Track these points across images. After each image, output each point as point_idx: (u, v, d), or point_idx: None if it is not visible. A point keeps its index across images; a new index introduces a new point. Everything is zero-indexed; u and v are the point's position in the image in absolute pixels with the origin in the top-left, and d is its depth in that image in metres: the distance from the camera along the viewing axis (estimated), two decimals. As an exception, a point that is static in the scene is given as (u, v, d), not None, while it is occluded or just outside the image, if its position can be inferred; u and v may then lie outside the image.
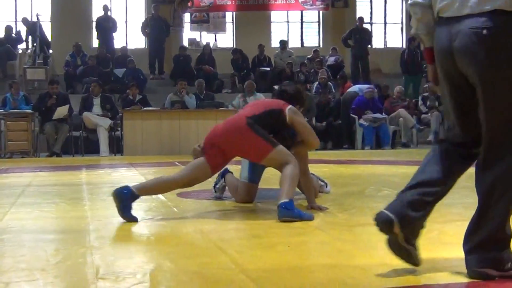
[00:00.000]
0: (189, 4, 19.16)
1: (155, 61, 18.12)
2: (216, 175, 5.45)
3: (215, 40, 20.09)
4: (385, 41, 20.96)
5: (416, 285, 2.72)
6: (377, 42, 19.94)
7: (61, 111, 13.16)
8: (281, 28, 20.66)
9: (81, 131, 13.47)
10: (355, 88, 15.14)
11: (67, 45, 17.51)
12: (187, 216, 4.81)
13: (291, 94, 5.10)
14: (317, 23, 20.77)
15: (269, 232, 4.17)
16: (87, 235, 4.07)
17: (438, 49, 2.83)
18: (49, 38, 18.01)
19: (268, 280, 2.85)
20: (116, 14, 18.66)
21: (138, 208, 5.12)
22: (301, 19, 20.79)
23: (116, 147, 13.49)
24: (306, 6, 20.04)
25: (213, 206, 5.38)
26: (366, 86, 15.07)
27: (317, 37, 20.76)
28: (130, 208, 4.55)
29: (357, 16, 19.18)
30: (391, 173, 8.42)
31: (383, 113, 14.59)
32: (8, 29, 17.84)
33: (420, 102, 15.62)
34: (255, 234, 4.06)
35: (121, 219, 4.57)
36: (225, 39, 20.26)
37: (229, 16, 20.12)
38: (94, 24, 18.32)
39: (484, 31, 2.64)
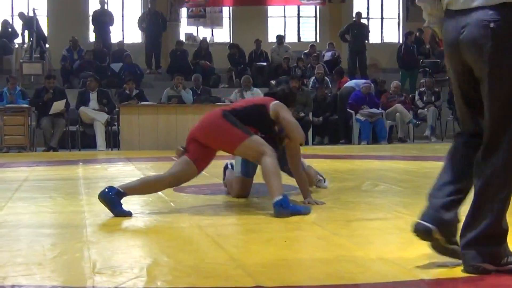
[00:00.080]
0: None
1: (151, 56, 18.09)
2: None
3: (212, 35, 20.05)
4: (381, 36, 20.95)
5: (413, 279, 2.73)
6: (373, 37, 19.92)
7: (57, 106, 13.14)
8: (278, 23, 20.64)
9: (77, 126, 13.45)
10: (351, 83, 15.13)
11: (64, 39, 17.46)
12: (184, 210, 4.81)
13: (280, 95, 5.04)
14: (314, 18, 20.75)
15: (266, 226, 4.17)
16: (84, 230, 4.07)
17: (447, 42, 2.85)
18: (46, 33, 17.96)
19: (265, 275, 2.85)
20: (113, 9, 18.62)
21: (135, 202, 5.13)
22: (298, 14, 20.76)
23: (113, 141, 13.47)
24: (303, 1, 20.01)
25: (210, 201, 5.39)
26: (362, 81, 15.07)
27: (314, 32, 20.74)
28: (119, 205, 4.55)
29: (354, 11, 19.15)
30: (387, 168, 8.43)
31: (380, 108, 14.59)
32: (5, 23, 17.79)
33: (416, 97, 15.62)
34: (252, 229, 4.07)
35: (118, 214, 4.59)
36: (222, 34, 20.23)
37: (226, 11, 20.09)
38: (90, 18, 18.26)
39: (492, 24, 2.65)
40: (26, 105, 13.19)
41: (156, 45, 18.01)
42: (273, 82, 16.07)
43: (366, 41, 18.23)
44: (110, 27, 17.96)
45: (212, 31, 20.11)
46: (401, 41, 19.54)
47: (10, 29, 17.90)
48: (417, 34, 18.71)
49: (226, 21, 20.12)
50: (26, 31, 17.26)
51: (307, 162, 5.92)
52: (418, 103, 15.48)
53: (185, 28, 19.89)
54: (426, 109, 15.19)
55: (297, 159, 5.08)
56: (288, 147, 5.02)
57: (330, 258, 3.19)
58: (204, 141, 4.75)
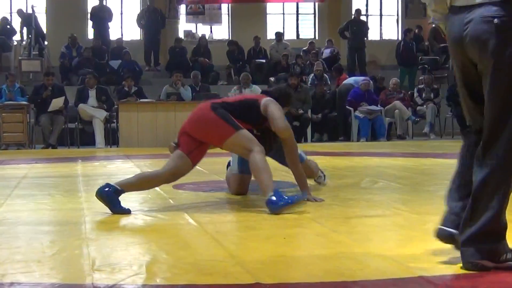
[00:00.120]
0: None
1: (150, 53, 18.07)
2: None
3: (211, 32, 20.04)
4: (380, 33, 20.94)
5: (411, 276, 2.73)
6: (372, 34, 19.91)
7: (56, 103, 13.13)
8: (276, 20, 20.62)
9: (76, 123, 13.45)
10: (350, 80, 15.13)
11: (63, 36, 17.45)
12: (183, 208, 4.81)
13: (275, 94, 5.02)
14: (313, 15, 20.73)
15: (265, 224, 4.17)
16: (82, 227, 4.07)
17: (451, 38, 2.86)
18: (45, 30, 17.94)
19: (264, 272, 2.86)
20: (112, 6, 18.58)
21: (134, 199, 5.13)
22: (297, 11, 20.74)
23: (112, 138, 13.47)
24: (301, -2, 20.02)
25: (209, 198, 5.39)
26: (361, 78, 15.06)
27: (313, 29, 20.73)
28: (118, 202, 4.55)
29: (353, 8, 19.13)
30: (386, 165, 8.43)
31: (379, 105, 14.59)
32: (3, 20, 17.77)
33: (415, 94, 15.61)
34: (251, 226, 4.07)
35: (116, 211, 4.60)
36: (221, 31, 20.22)
37: (224, 8, 20.06)
38: (89, 15, 18.23)
39: (495, 20, 2.66)
40: (25, 102, 13.18)
41: (155, 42, 17.99)
42: (272, 79, 16.09)
43: (365, 38, 18.22)
44: (109, 23, 17.92)
45: (211, 28, 20.09)
46: (400, 38, 19.53)
47: (8, 26, 17.88)
48: (416, 31, 18.71)
49: (225, 18, 20.10)
50: (25, 28, 17.24)
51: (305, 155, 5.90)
52: (417, 100, 15.48)
53: (183, 25, 19.86)
54: (425, 106, 15.19)
55: (294, 156, 5.08)
56: (284, 144, 5.02)
57: (329, 255, 3.19)
58: (194, 134, 4.74)
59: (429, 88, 15.52)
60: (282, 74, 16.28)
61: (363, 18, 19.03)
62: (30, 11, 16.97)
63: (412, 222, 4.11)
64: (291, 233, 3.83)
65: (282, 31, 19.56)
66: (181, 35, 19.27)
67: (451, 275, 2.73)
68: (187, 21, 19.79)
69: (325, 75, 16.06)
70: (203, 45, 17.98)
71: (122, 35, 19.04)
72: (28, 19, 16.84)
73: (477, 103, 2.89)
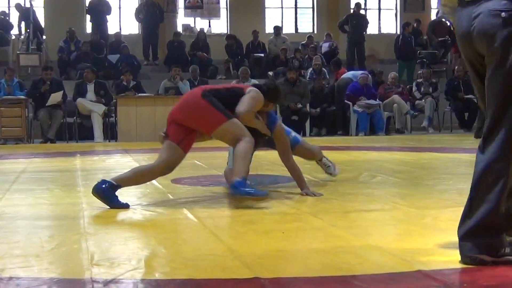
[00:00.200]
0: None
1: (149, 47, 18.06)
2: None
3: (209, 26, 20.02)
4: (379, 27, 20.92)
5: (410, 270, 2.73)
6: (371, 28, 19.90)
7: (55, 97, 13.12)
8: (275, 14, 20.60)
9: (75, 117, 13.45)
10: (349, 74, 15.12)
11: (61, 31, 17.42)
12: (182, 202, 4.81)
13: (263, 89, 4.97)
14: (311, 9, 20.72)
15: (263, 218, 4.18)
16: (81, 221, 4.07)
17: (459, 33, 2.87)
18: (43, 24, 17.92)
19: (262, 266, 2.86)
20: (110, 0, 18.53)
21: (132, 194, 5.13)
22: (295, 4, 20.72)
23: (110, 133, 13.48)
24: (300, -8, 20.00)
25: (208, 192, 5.39)
26: (360, 72, 15.06)
27: (311, 23, 20.71)
28: (115, 197, 4.55)
29: (351, 1, 19.13)
30: (385, 159, 8.44)
31: (377, 99, 14.59)
32: (1, 14, 17.74)
33: (414, 88, 15.61)
34: (249, 221, 4.07)
35: (115, 206, 4.61)
36: (219, 25, 20.20)
37: (223, 1, 20.03)
38: (87, 8, 18.18)
39: (503, 14, 2.68)
40: (23, 97, 13.17)
41: (153, 36, 17.98)
42: (270, 73, 16.08)
43: (364, 32, 18.21)
44: (107, 17, 17.89)
45: (209, 22, 20.07)
46: (398, 32, 19.52)
47: (7, 18, 17.85)
48: (415, 25, 18.69)
49: (223, 12, 20.08)
50: (23, 22, 17.21)
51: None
52: (415, 94, 15.48)
53: (182, 19, 19.84)
54: (423, 100, 15.19)
55: (287, 153, 5.10)
56: (277, 142, 5.06)
57: (328, 249, 3.19)
58: (183, 121, 4.71)
59: (428, 82, 15.52)
60: (281, 68, 16.27)
61: (361, 12, 19.00)
62: (28, 5, 16.93)
63: (410, 216, 4.11)
64: (290, 227, 3.83)
65: (280, 25, 19.55)
66: (179, 29, 19.25)
67: (449, 270, 2.73)
68: (186, 15, 19.76)
69: (323, 69, 16.07)
70: (201, 39, 17.97)
71: (120, 29, 19.02)
72: (26, 13, 16.82)
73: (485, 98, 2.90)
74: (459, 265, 2.77)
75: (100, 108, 13.30)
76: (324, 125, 14.79)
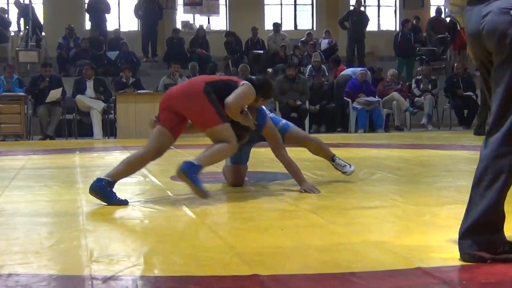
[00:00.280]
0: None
1: (148, 44, 18.04)
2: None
3: (208, 22, 20.01)
4: (378, 24, 20.92)
5: (409, 268, 2.73)
6: (370, 25, 19.88)
7: (54, 94, 13.12)
8: (274, 10, 20.59)
9: (74, 114, 13.44)
10: (348, 71, 15.11)
11: (60, 27, 17.40)
12: (181, 199, 4.81)
13: (255, 84, 4.96)
14: (311, 6, 20.71)
15: (262, 215, 4.18)
16: (80, 218, 4.07)
17: (469, 32, 2.88)
18: (42, 21, 17.90)
19: (261, 263, 2.86)
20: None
21: (131, 191, 5.13)
22: (295, 1, 20.71)
23: (110, 130, 13.48)
24: (299, -12, 19.99)
25: (207, 189, 5.38)
26: (359, 69, 15.05)
27: (311, 20, 20.71)
28: (113, 194, 4.55)
29: (351, -2, 19.14)
30: (384, 156, 8.44)
31: (377, 96, 14.58)
32: (1, 11, 17.72)
33: (413, 85, 15.60)
34: (249, 217, 4.07)
35: (114, 202, 4.61)
36: (218, 22, 20.18)
37: (222, -2, 20.06)
38: (86, 6, 18.18)
39: None
40: (22, 93, 13.17)
41: (152, 33, 17.96)
42: (270, 70, 16.06)
43: (365, 29, 18.18)
44: (106, 15, 17.88)
45: (208, 19, 20.05)
46: (398, 29, 19.51)
47: (6, 15, 17.83)
48: (414, 22, 18.68)
49: (222, 8, 20.06)
50: (22, 19, 17.19)
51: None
52: (415, 91, 15.47)
53: (181, 16, 19.83)
54: (423, 97, 15.18)
55: (279, 149, 5.10)
56: (268, 139, 5.07)
57: (327, 246, 3.20)
58: (178, 109, 4.71)
59: (427, 79, 15.52)
60: (280, 65, 16.26)
61: (361, 8, 18.98)
62: (27, 1, 16.92)
63: (409, 214, 4.12)
64: (289, 224, 3.83)
65: (280, 22, 19.53)
66: (178, 26, 19.24)
67: (448, 267, 2.73)
68: (185, 11, 19.75)
69: (323, 66, 16.05)
70: (201, 36, 17.95)
71: (119, 26, 19.01)
72: (25, 10, 16.80)
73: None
74: (458, 262, 2.77)
75: (99, 105, 13.30)
76: (324, 122, 14.79)
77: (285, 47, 17.37)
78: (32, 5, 16.95)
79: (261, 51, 17.85)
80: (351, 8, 18.64)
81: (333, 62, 16.20)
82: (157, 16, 17.87)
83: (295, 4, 20.72)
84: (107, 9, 17.75)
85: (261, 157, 7.16)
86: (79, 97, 13.35)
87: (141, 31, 18.38)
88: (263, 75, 5.42)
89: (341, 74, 15.10)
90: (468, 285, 2.53)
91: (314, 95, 14.47)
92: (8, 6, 18.47)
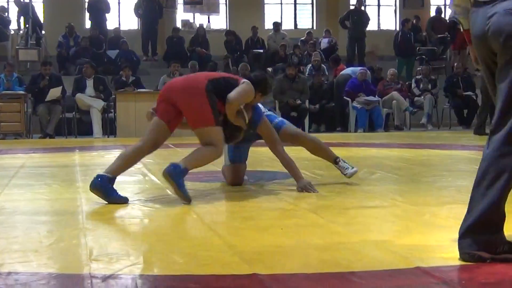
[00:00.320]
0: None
1: (148, 43, 18.04)
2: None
3: (208, 21, 20.00)
4: (378, 24, 20.91)
5: (408, 267, 2.73)
6: (370, 25, 19.88)
7: (54, 93, 13.12)
8: (274, 9, 20.59)
9: (74, 113, 13.44)
10: (348, 70, 15.11)
11: (60, 26, 17.40)
12: (181, 198, 4.80)
13: (253, 80, 4.97)
14: (311, 5, 20.70)
15: (262, 214, 4.18)
16: (80, 217, 4.07)
17: (474, 33, 2.89)
18: (42, 19, 17.89)
19: (261, 262, 2.86)
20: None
21: (131, 190, 5.13)
22: (295, 0, 20.70)
23: (109, 128, 13.48)
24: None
25: (206, 188, 5.39)
26: (359, 68, 15.05)
27: (311, 19, 20.70)
28: (113, 191, 4.55)
29: (351, -3, 19.13)
30: (384, 155, 8.44)
31: (376, 96, 14.58)
32: (1, 9, 17.71)
33: (413, 85, 15.61)
34: (248, 216, 4.07)
35: (114, 201, 4.62)
36: (218, 21, 20.18)
37: (222, -3, 20.05)
38: (86, 5, 18.18)
39: None
40: (22, 92, 13.16)
41: (152, 32, 17.96)
42: (269, 69, 16.06)
43: (365, 29, 18.16)
44: (106, 14, 17.88)
45: (208, 18, 20.05)
46: (398, 29, 19.51)
47: (6, 13, 17.82)
48: (414, 21, 18.68)
49: (222, 7, 20.06)
50: (22, 18, 17.18)
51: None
52: (414, 90, 15.48)
53: (181, 15, 19.83)
54: (422, 97, 15.18)
55: (276, 145, 5.08)
56: (264, 137, 5.07)
57: (327, 245, 3.20)
58: (177, 103, 4.69)
59: (427, 79, 15.52)
60: (280, 65, 16.26)
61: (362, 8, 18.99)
62: (27, 0, 16.91)
63: (409, 213, 4.11)
64: (289, 223, 3.84)
65: (280, 21, 19.53)
66: (178, 24, 19.23)
67: (448, 266, 2.73)
68: (185, 10, 19.74)
69: (322, 65, 16.05)
70: (201, 35, 17.94)
71: (119, 24, 19.01)
72: (25, 8, 16.78)
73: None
74: (458, 262, 2.77)
75: (99, 104, 13.30)
76: (323, 121, 14.79)
77: (285, 46, 17.37)
78: (32, 3, 16.94)
79: (261, 50, 17.85)
80: (351, 7, 18.63)
81: (333, 62, 16.20)
82: (157, 15, 17.86)
83: (295, 3, 20.72)
84: (107, 8, 17.75)
85: (261, 156, 7.15)
86: (79, 95, 13.35)
87: (141, 30, 18.38)
88: (261, 72, 5.40)
89: (341, 73, 15.10)
90: (468, 284, 2.53)
91: (314, 94, 14.47)
92: (8, 4, 18.47)
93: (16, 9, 17.43)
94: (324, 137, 12.17)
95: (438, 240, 3.23)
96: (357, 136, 13.11)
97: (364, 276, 2.64)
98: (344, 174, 5.57)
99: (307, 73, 15.65)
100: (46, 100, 13.06)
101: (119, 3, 19.41)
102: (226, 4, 20.10)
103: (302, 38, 18.18)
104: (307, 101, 14.14)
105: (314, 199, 4.70)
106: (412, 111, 15.04)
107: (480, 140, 10.79)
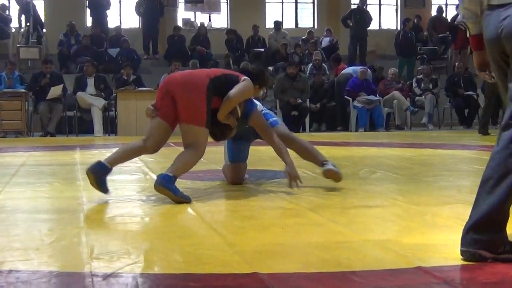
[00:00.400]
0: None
1: (149, 41, 18.05)
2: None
3: (209, 20, 20.00)
4: (379, 23, 20.91)
5: (409, 267, 2.73)
6: (372, 24, 19.89)
7: (55, 91, 13.12)
8: (275, 8, 20.58)
9: (75, 111, 13.45)
10: (349, 69, 15.12)
11: (61, 24, 17.41)
12: (181, 196, 4.80)
13: (251, 72, 5.01)
14: (312, 4, 20.70)
15: (262, 213, 4.18)
16: (81, 215, 4.07)
17: (487, 36, 2.90)
18: (43, 17, 17.90)
19: (262, 261, 2.86)
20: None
21: (131, 188, 5.13)
22: (296, -1, 20.73)
23: (110, 127, 13.49)
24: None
25: (207, 187, 5.39)
26: (359, 67, 15.06)
27: (312, 18, 20.70)
28: (105, 182, 4.66)
29: (352, -4, 19.13)
30: (384, 155, 8.43)
31: (377, 95, 14.59)
32: (1, 7, 17.71)
33: (414, 84, 15.62)
34: (249, 216, 4.07)
35: (115, 199, 4.63)
36: (219, 20, 20.18)
37: (223, -4, 20.05)
38: (87, 2, 18.17)
39: None
40: (23, 90, 13.17)
41: (153, 30, 17.96)
42: (270, 68, 16.07)
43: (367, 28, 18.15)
44: (107, 11, 17.87)
45: (209, 16, 20.05)
46: (399, 28, 19.50)
47: (7, 11, 17.82)
48: (415, 20, 18.67)
49: (223, 6, 20.06)
50: (23, 16, 17.19)
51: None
52: (415, 90, 15.48)
53: (182, 14, 19.82)
54: (423, 96, 15.19)
55: (267, 132, 5.02)
56: (256, 127, 5.05)
57: (327, 245, 3.19)
58: (175, 97, 4.68)
59: (428, 79, 15.52)
60: (281, 63, 16.27)
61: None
62: (28, -2, 16.92)
63: (410, 213, 4.11)
64: (289, 223, 3.83)
65: (281, 20, 19.54)
66: (179, 23, 19.23)
67: (449, 266, 2.73)
68: (186, 9, 19.74)
69: (323, 64, 16.06)
70: (202, 34, 17.95)
71: (120, 23, 19.01)
72: (26, 6, 16.79)
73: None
74: (459, 262, 2.77)
75: (100, 102, 13.31)
76: (324, 120, 14.80)
77: (286, 45, 17.37)
78: (33, 1, 16.94)
79: (262, 49, 17.86)
80: (353, 6, 18.62)
81: (334, 61, 16.20)
82: (158, 14, 17.87)
83: (296, 2, 20.71)
84: (108, 5, 17.75)
85: (262, 155, 7.15)
86: (79, 94, 13.36)
87: (142, 28, 18.38)
88: (257, 65, 5.40)
89: (341, 72, 15.10)
90: (469, 284, 2.53)
91: (314, 93, 14.47)
92: (9, 2, 18.46)
93: (17, 7, 17.43)
94: (324, 137, 12.19)
95: (439, 239, 3.22)
96: (358, 135, 13.11)
97: (364, 275, 2.64)
98: (322, 172, 5.30)
99: (308, 72, 15.65)
100: (47, 98, 13.08)
101: (120, 1, 19.41)
102: (227, 2, 20.09)
103: (303, 37, 18.19)
104: (308, 100, 14.14)
105: (315, 198, 4.70)
106: (413, 111, 15.04)
107: (482, 140, 10.79)
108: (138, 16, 18.59)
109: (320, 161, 5.33)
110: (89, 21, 18.41)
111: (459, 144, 10.03)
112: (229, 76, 4.89)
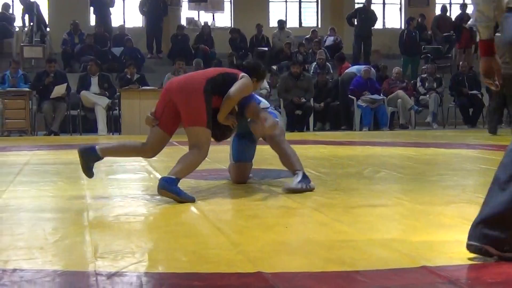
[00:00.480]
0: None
1: (152, 40, 18.06)
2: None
3: (213, 19, 20.00)
4: (383, 22, 20.88)
5: (414, 266, 2.73)
6: (376, 23, 19.87)
7: (58, 90, 13.14)
8: (279, 7, 20.58)
9: (79, 110, 13.46)
10: (353, 69, 15.10)
11: (64, 23, 17.42)
12: (185, 196, 4.80)
13: (246, 66, 5.03)
14: (316, 3, 20.69)
15: (267, 212, 4.17)
16: (85, 214, 4.07)
17: (505, 38, 2.88)
18: (46, 16, 17.91)
19: (265, 261, 2.85)
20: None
21: (135, 187, 5.13)
22: (300, -1, 20.72)
23: (114, 126, 13.49)
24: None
25: (211, 186, 5.38)
26: (363, 66, 15.04)
27: (315, 17, 20.69)
28: (92, 169, 4.76)
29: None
30: (388, 154, 8.42)
31: (381, 94, 14.57)
32: (4, 6, 17.74)
33: (418, 84, 15.60)
34: (253, 215, 4.06)
35: (119, 198, 4.64)
36: (223, 19, 20.18)
37: (227, -5, 20.05)
38: (90, 1, 18.18)
39: None
40: (27, 89, 13.18)
41: (157, 29, 17.97)
42: (274, 67, 16.06)
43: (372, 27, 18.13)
44: (111, 10, 17.87)
45: (213, 15, 20.05)
46: (403, 27, 19.48)
47: (11, 11, 17.84)
48: (419, 20, 18.65)
49: (227, 5, 20.06)
50: (27, 15, 17.21)
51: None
52: (419, 89, 15.46)
53: (186, 13, 19.83)
54: (427, 96, 15.17)
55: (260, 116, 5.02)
56: (253, 118, 5.01)
57: (331, 244, 3.19)
58: (176, 103, 4.70)
59: (432, 78, 15.50)
60: (285, 63, 16.26)
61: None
62: (32, -2, 16.94)
63: (415, 212, 4.11)
64: (293, 222, 3.83)
65: (284, 19, 19.52)
66: (183, 22, 19.24)
67: (454, 266, 2.72)
68: (190, 8, 19.75)
69: (327, 63, 16.05)
70: (206, 33, 17.95)
71: (124, 22, 19.02)
72: (30, 6, 16.82)
73: None
74: (464, 262, 2.76)
75: (104, 101, 13.32)
76: (328, 119, 14.79)
77: (290, 44, 17.36)
78: (37, 1, 16.96)
79: (266, 48, 17.85)
80: (356, 5, 18.61)
81: (338, 60, 16.18)
82: (162, 13, 17.88)
83: (300, 1, 20.71)
84: (111, 3, 17.74)
85: (265, 154, 7.15)
86: (83, 93, 13.37)
87: (145, 27, 18.38)
88: (252, 59, 5.43)
89: (345, 71, 15.09)
90: (474, 284, 2.52)
91: (318, 92, 14.46)
92: (12, 1, 18.48)
93: (21, 6, 17.45)
94: (328, 136, 12.19)
95: (444, 239, 3.22)
96: (362, 134, 13.10)
97: (369, 275, 2.64)
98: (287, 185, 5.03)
99: (311, 71, 15.64)
100: (51, 97, 13.09)
101: (124, 0, 19.40)
102: (231, 2, 20.09)
103: (307, 36, 18.18)
104: (311, 99, 14.13)
105: (319, 197, 4.70)
106: (417, 110, 15.02)
107: (487, 139, 10.77)
108: (142, 15, 18.60)
109: (293, 170, 5.09)
110: (92, 20, 18.42)
111: (464, 143, 10.02)
112: (227, 74, 4.88)
